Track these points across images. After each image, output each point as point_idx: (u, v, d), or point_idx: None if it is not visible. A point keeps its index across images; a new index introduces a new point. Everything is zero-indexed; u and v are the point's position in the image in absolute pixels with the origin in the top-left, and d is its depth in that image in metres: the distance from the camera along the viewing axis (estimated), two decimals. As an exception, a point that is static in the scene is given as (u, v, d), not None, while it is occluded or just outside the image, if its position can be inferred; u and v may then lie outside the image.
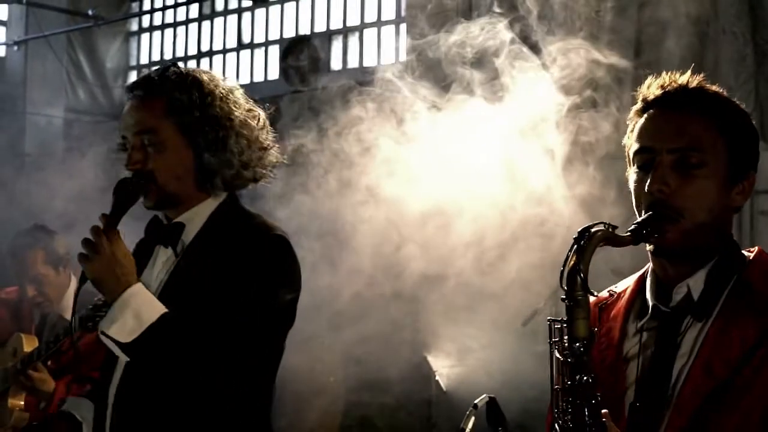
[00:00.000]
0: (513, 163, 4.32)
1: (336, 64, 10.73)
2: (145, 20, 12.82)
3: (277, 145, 2.87)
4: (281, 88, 10.09)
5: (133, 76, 12.63)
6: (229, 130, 2.70)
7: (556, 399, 1.89)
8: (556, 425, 1.88)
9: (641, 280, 2.14)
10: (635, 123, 2.10)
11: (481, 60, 4.90)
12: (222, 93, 2.73)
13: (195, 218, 2.74)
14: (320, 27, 11.01)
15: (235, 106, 2.73)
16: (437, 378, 5.80)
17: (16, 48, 11.87)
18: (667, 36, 7.69)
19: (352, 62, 10.66)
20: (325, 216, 5.21)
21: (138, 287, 2.60)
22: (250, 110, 2.78)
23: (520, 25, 5.54)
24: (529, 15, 5.77)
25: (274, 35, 11.51)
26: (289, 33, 11.24)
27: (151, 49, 12.74)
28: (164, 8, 12.44)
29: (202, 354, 2.52)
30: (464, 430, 2.08)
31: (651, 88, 2.09)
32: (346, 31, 10.84)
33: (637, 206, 2.03)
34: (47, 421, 4.12)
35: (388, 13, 10.50)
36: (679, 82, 2.06)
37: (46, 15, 11.63)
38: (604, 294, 2.20)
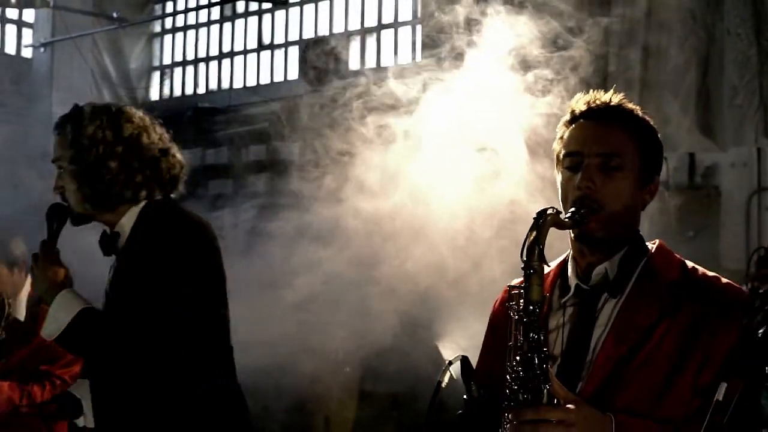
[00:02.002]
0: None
1: (354, 64, 10.94)
2: (168, 22, 13.08)
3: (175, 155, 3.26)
4: (300, 88, 10.30)
5: (156, 77, 12.90)
6: (104, 153, 3.10)
7: (510, 354, 2.20)
8: (508, 377, 2.18)
9: (562, 266, 2.49)
10: (564, 132, 2.45)
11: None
12: (101, 121, 3.15)
13: (125, 225, 3.16)
14: (338, 28, 11.24)
15: (114, 129, 3.14)
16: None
17: (42, 50, 12.18)
18: (672, 39, 7.90)
19: (370, 62, 10.88)
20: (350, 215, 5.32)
21: (62, 294, 3.08)
22: (139, 127, 3.18)
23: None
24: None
25: (293, 36, 11.76)
26: (308, 34, 11.47)
27: (174, 51, 13.00)
28: (187, 10, 12.72)
29: (122, 337, 2.98)
30: (441, 382, 2.39)
31: (579, 103, 2.44)
32: (363, 32, 11.06)
33: (564, 200, 2.38)
34: None
35: (405, 14, 10.72)
36: (603, 99, 2.42)
37: (71, 18, 11.92)
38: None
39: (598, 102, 2.41)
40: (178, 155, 3.26)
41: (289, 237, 6.03)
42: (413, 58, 10.30)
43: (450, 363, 2.38)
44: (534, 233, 2.19)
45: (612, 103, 2.41)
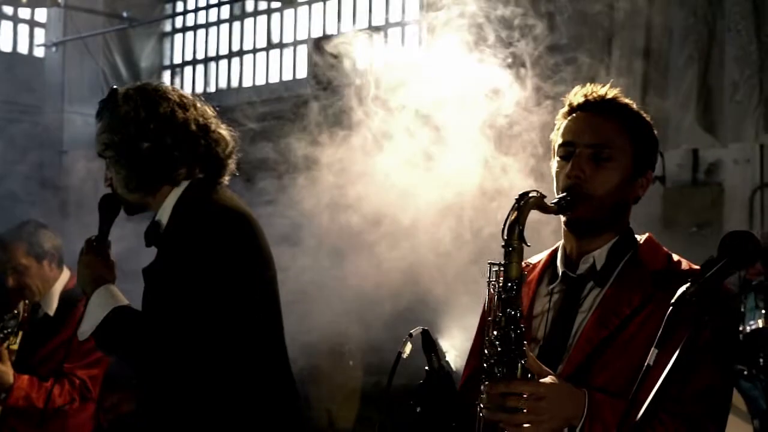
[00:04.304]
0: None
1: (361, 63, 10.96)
2: (179, 21, 13.16)
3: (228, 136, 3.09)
4: (309, 86, 10.35)
5: (167, 76, 12.98)
6: (137, 132, 2.95)
7: (488, 329, 2.30)
8: (486, 351, 2.29)
9: (553, 254, 2.58)
10: (561, 123, 2.54)
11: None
12: (134, 101, 2.99)
13: (164, 213, 3.01)
14: (347, 27, 11.31)
15: (147, 107, 2.97)
16: (447, 359, 6.08)
17: (54, 49, 12.30)
18: (674, 35, 7.96)
19: (377, 60, 10.91)
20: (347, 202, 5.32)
21: (103, 289, 2.96)
22: (175, 104, 3.00)
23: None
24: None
25: (302, 35, 11.84)
26: (317, 33, 11.54)
27: (184, 49, 13.06)
28: (197, 9, 12.80)
29: (153, 337, 2.82)
30: (401, 353, 2.49)
31: (576, 96, 2.53)
32: (371, 31, 11.12)
33: (557, 188, 2.47)
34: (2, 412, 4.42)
35: (412, 13, 10.78)
36: (599, 92, 2.51)
37: (82, 17, 12.03)
38: (523, 265, 2.56)
39: (594, 95, 2.50)
40: (223, 132, 3.07)
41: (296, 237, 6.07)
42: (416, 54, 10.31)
43: (410, 335, 2.47)
44: (515, 213, 2.29)
45: (608, 97, 2.49)
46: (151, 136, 2.93)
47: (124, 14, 11.87)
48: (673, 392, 2.23)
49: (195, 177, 3.00)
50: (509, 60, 3.92)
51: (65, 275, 4.72)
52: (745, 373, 5.68)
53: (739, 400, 5.49)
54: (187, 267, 2.82)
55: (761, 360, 5.55)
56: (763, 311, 5.58)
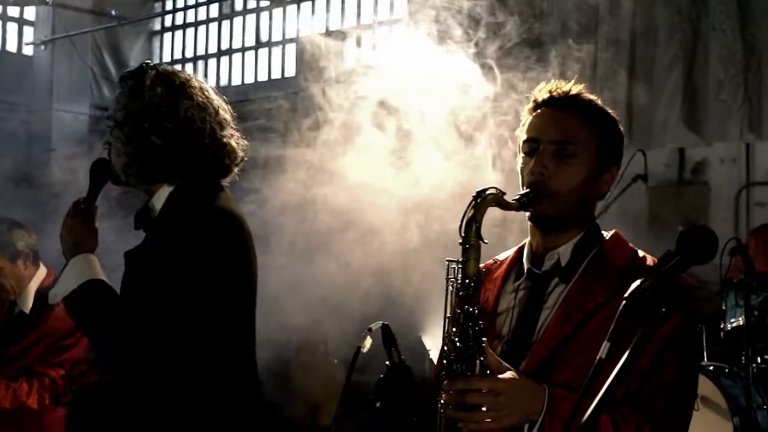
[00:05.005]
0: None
1: (349, 61, 10.98)
2: (168, 20, 13.17)
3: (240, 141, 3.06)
4: (298, 85, 10.35)
5: (156, 74, 12.93)
6: (152, 126, 2.92)
7: (447, 326, 2.30)
8: (445, 347, 2.29)
9: (520, 251, 2.58)
10: (526, 119, 2.53)
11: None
12: (160, 91, 2.95)
13: (158, 200, 3.00)
14: (335, 26, 11.31)
15: (170, 103, 2.94)
16: (431, 357, 6.13)
17: (43, 47, 12.30)
18: (659, 34, 7.97)
19: (365, 59, 10.93)
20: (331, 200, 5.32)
21: (81, 257, 2.94)
22: (196, 107, 2.97)
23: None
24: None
25: (290, 34, 11.84)
26: (306, 32, 11.54)
27: (173, 48, 13.09)
28: (186, 8, 12.81)
29: (126, 320, 2.81)
30: (360, 347, 2.49)
31: (541, 91, 2.52)
32: (359, 30, 11.12)
33: (522, 184, 2.46)
34: None
35: (401, 12, 10.77)
36: (564, 88, 2.50)
37: (72, 16, 12.04)
38: (490, 261, 2.64)
39: (559, 91, 2.49)
40: (234, 144, 3.02)
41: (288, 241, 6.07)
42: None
43: (370, 329, 2.48)
44: (472, 211, 2.28)
45: (572, 93, 2.49)
46: (165, 135, 2.91)
47: (113, 12, 11.86)
48: (635, 387, 2.26)
49: (192, 178, 2.98)
50: (485, 59, 3.92)
51: (41, 272, 4.73)
52: (726, 370, 5.69)
53: (720, 398, 5.51)
54: (171, 258, 2.82)
55: (742, 357, 5.55)
56: (744, 309, 5.58)
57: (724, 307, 5.94)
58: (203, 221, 2.88)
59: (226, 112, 3.05)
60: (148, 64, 3.02)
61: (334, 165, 4.19)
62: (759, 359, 5.73)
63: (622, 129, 2.56)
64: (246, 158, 3.09)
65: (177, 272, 2.79)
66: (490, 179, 3.01)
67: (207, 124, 2.96)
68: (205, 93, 3.01)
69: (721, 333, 5.95)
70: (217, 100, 3.04)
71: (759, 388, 5.56)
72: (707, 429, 5.45)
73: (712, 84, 7.68)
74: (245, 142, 3.09)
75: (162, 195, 2.98)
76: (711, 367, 5.71)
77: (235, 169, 3.07)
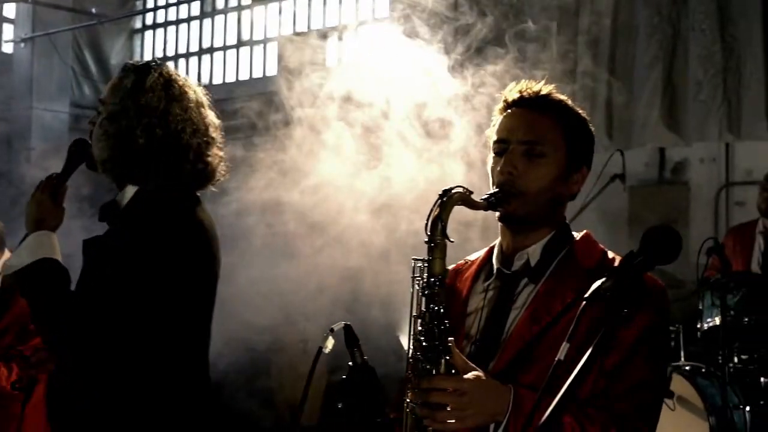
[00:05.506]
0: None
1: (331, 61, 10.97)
2: (149, 18, 13.13)
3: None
4: (277, 84, 10.32)
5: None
6: (141, 132, 2.92)
7: (414, 325, 2.30)
8: (411, 346, 2.29)
9: (490, 251, 2.57)
10: (497, 119, 2.52)
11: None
12: (156, 97, 2.96)
13: (125, 195, 2.99)
14: (317, 25, 11.31)
15: (164, 112, 2.95)
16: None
17: (23, 45, 12.24)
18: (640, 34, 7.99)
19: (347, 59, 10.92)
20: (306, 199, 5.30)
21: (41, 234, 2.93)
22: (186, 121, 2.97)
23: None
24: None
25: (272, 33, 11.82)
26: (287, 30, 11.53)
27: (154, 46, 13.05)
28: (167, 6, 12.79)
29: (74, 307, 2.80)
30: (322, 348, 2.47)
31: (512, 92, 2.51)
32: (341, 29, 11.12)
33: (492, 183, 2.46)
34: None
35: (382, 11, 10.78)
36: (535, 89, 2.49)
37: (52, 13, 11.99)
38: (461, 262, 2.63)
39: (529, 91, 2.48)
40: (216, 163, 3.03)
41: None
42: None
43: (332, 330, 2.46)
44: (438, 210, 2.28)
45: (542, 93, 2.48)
46: (152, 139, 2.91)
47: (93, 10, 11.82)
48: (602, 387, 2.25)
49: (161, 182, 2.96)
50: (459, 56, 3.92)
51: (6, 256, 4.78)
52: (703, 370, 5.70)
53: (696, 397, 5.52)
54: (125, 253, 2.82)
55: (719, 357, 5.57)
56: (720, 308, 5.59)
57: (700, 307, 5.96)
58: (164, 221, 2.88)
59: (216, 131, 3.05)
60: (157, 63, 3.03)
61: (307, 164, 4.17)
62: (735, 359, 5.75)
63: (593, 129, 2.55)
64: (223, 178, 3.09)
65: (129, 268, 2.79)
66: (460, 179, 2.99)
67: (194, 140, 2.96)
68: (200, 108, 3.01)
69: (698, 332, 5.97)
70: (210, 117, 3.04)
71: (735, 388, 5.58)
72: (683, 428, 5.46)
73: (691, 84, 7.70)
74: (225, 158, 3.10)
75: (131, 191, 2.98)
76: (687, 367, 5.73)
77: (210, 186, 3.07)
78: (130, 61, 3.09)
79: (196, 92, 3.05)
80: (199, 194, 3.05)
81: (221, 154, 3.07)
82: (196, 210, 2.97)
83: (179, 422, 2.90)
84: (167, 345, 2.89)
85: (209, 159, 3.00)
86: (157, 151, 2.91)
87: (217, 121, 3.07)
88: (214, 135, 3.03)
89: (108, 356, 2.82)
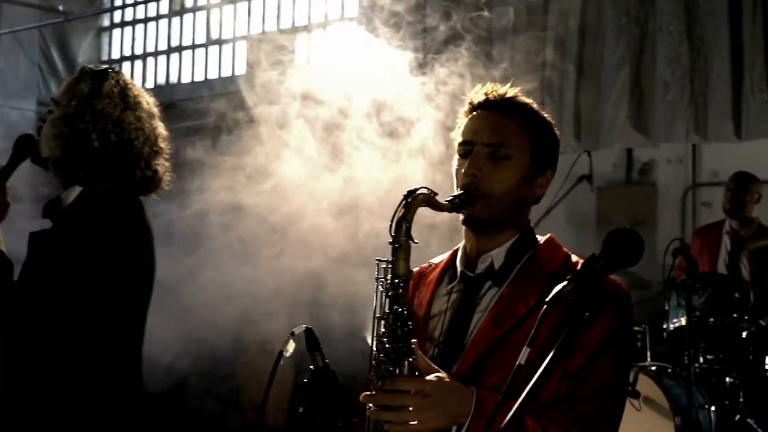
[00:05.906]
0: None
1: (300, 60, 10.96)
2: (117, 16, 13.00)
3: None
4: (244, 83, 10.27)
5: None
6: (95, 139, 3.04)
7: (377, 327, 2.30)
8: (374, 347, 2.29)
9: (454, 254, 2.58)
10: (462, 121, 2.54)
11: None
12: (113, 105, 3.08)
13: (70, 194, 3.08)
14: (286, 24, 11.27)
15: (118, 121, 3.07)
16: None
17: (-12, 42, 12.12)
18: (607, 35, 8.01)
19: (316, 58, 10.91)
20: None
21: None
22: (138, 131, 3.11)
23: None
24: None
25: (241, 31, 11.77)
26: (256, 29, 11.49)
27: (122, 44, 12.94)
28: (135, 4, 12.67)
29: (13, 297, 2.89)
30: (282, 351, 2.46)
31: (477, 94, 2.53)
32: (311, 28, 11.10)
33: (456, 186, 2.47)
34: None
35: (352, 11, 10.76)
36: (500, 91, 2.51)
37: (18, 11, 11.87)
38: (425, 265, 2.65)
39: (494, 94, 2.50)
40: (162, 172, 3.18)
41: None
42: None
43: (293, 333, 2.45)
44: (402, 210, 2.28)
45: (507, 96, 2.49)
46: (106, 146, 3.02)
47: (61, 8, 11.71)
48: (565, 390, 2.25)
49: (107, 186, 3.06)
50: (426, 55, 3.91)
51: None
52: (669, 370, 5.74)
53: (662, 398, 5.55)
54: (64, 251, 2.91)
55: (684, 358, 5.60)
56: (686, 309, 5.62)
57: (666, 308, 6.00)
58: (116, 223, 2.97)
59: (164, 141, 3.19)
60: (114, 69, 3.15)
61: (271, 164, 4.17)
62: (701, 359, 5.79)
63: (557, 133, 2.57)
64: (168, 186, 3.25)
65: (74, 267, 2.88)
66: (422, 180, 3.00)
67: (146, 148, 3.09)
68: (152, 119, 3.15)
69: (664, 333, 6.01)
70: (159, 128, 3.18)
71: (701, 388, 5.62)
72: (649, 429, 5.49)
73: (658, 85, 7.73)
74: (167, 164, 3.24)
75: (76, 191, 3.06)
76: (653, 368, 5.76)
77: (153, 194, 3.21)
78: (89, 65, 3.18)
79: (149, 102, 3.18)
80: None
81: (167, 164, 3.22)
82: (144, 215, 3.08)
83: (107, 420, 2.97)
84: (101, 344, 2.98)
85: (157, 167, 3.15)
86: (111, 156, 3.02)
87: (165, 132, 3.22)
88: (162, 145, 3.19)
89: (43, 351, 2.91)
